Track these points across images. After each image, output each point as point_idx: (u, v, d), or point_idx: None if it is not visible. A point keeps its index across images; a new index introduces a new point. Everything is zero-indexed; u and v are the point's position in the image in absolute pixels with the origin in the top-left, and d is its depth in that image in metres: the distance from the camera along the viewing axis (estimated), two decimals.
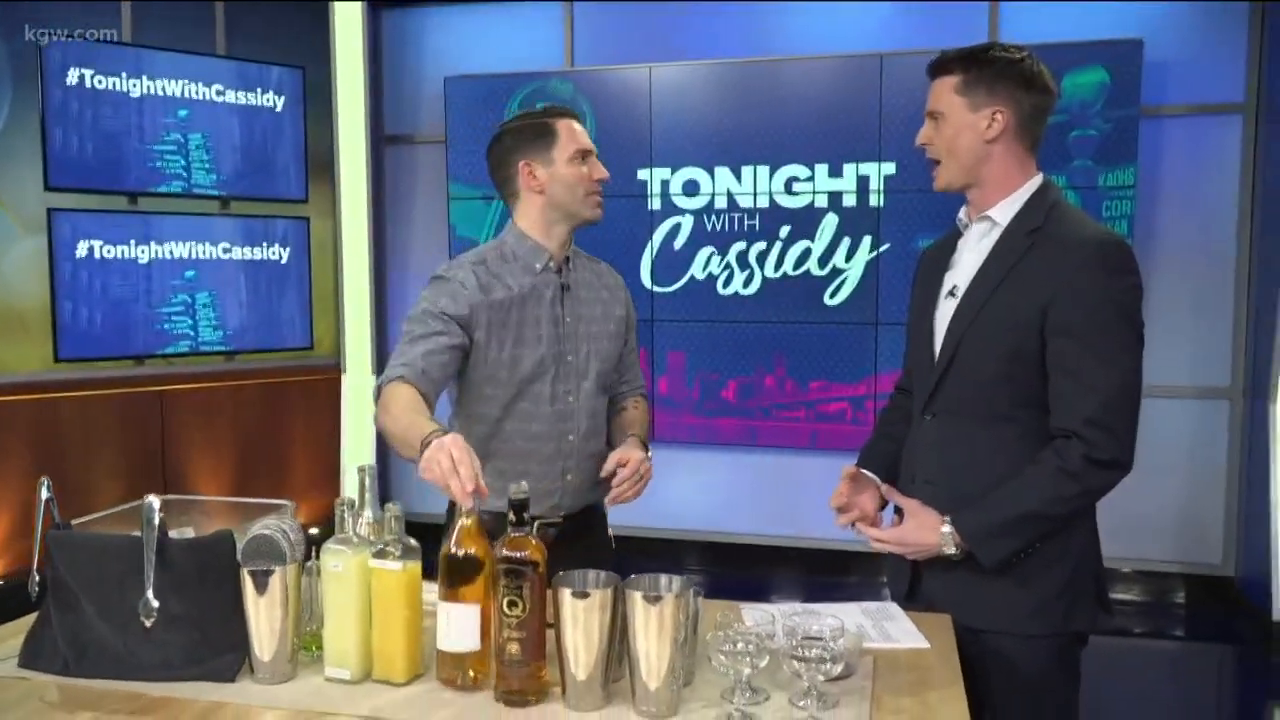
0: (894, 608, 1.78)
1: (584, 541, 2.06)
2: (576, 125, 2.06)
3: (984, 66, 1.76)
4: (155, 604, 1.48)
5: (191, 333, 4.81)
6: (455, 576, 1.45)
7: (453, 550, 1.46)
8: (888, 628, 1.69)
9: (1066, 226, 1.74)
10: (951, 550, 1.74)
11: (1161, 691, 3.82)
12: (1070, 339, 1.69)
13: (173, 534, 1.75)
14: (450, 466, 1.52)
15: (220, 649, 1.51)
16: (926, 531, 1.76)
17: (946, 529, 1.74)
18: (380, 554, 1.48)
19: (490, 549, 1.46)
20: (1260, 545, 4.07)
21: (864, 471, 1.98)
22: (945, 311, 1.85)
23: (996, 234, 1.80)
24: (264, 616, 1.49)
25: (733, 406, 4.78)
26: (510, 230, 2.10)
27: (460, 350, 1.96)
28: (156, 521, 1.49)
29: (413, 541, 1.50)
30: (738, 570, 4.92)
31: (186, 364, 4.85)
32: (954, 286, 1.84)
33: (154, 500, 1.50)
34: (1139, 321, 1.73)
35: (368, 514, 1.54)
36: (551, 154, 2.03)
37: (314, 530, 1.62)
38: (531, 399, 2.02)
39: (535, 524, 1.52)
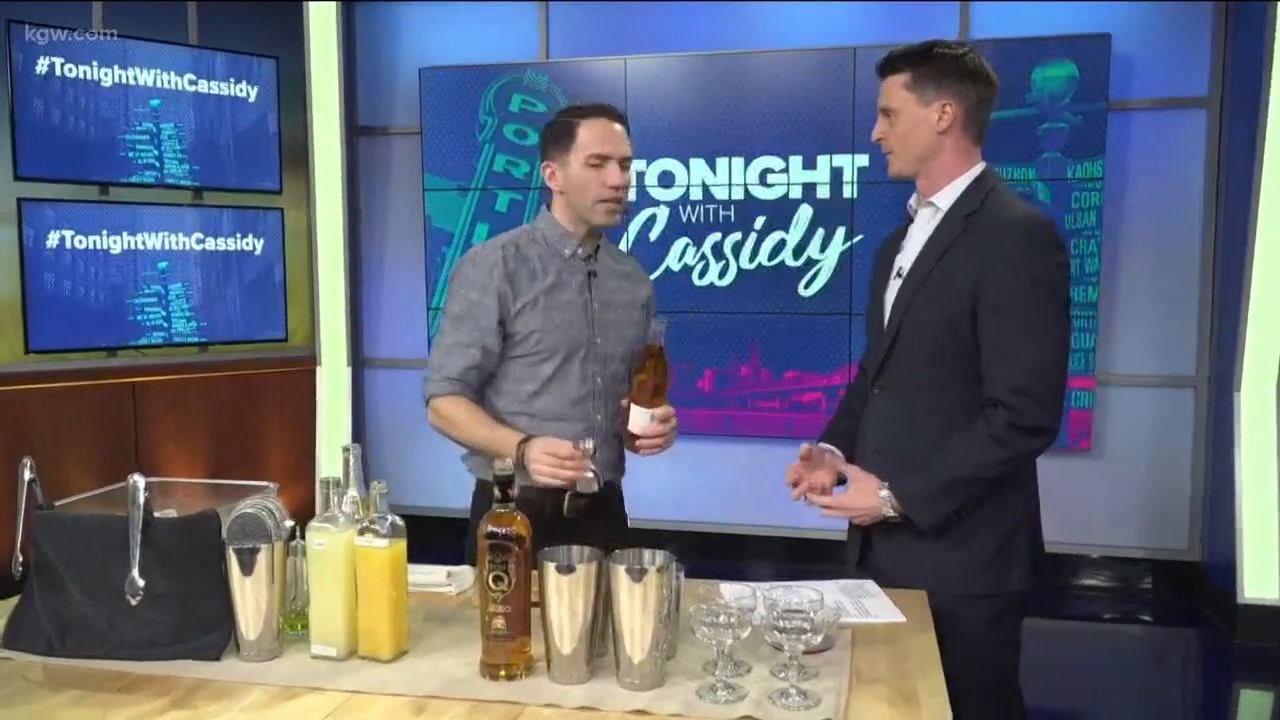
0: (871, 585, 1.82)
1: (605, 516, 2.15)
2: (604, 126, 2.07)
3: (930, 63, 1.88)
4: (141, 583, 1.48)
5: (165, 324, 4.78)
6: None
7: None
8: (865, 604, 1.72)
9: (998, 210, 1.86)
10: (889, 512, 1.87)
11: (1129, 676, 3.89)
12: (997, 314, 1.81)
13: (157, 514, 1.76)
14: (555, 464, 1.88)
15: (206, 627, 1.52)
16: (867, 495, 1.90)
17: (885, 492, 1.87)
18: (365, 532, 1.49)
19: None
20: (1226, 530, 4.15)
21: (823, 445, 2.10)
22: (893, 291, 1.97)
23: (939, 218, 1.93)
24: (249, 595, 1.50)
25: (708, 396, 4.82)
26: (544, 216, 2.17)
27: (495, 353, 2.09)
28: (142, 500, 1.50)
29: (398, 519, 1.51)
30: (714, 559, 4.95)
31: (160, 356, 4.82)
32: (900, 268, 1.97)
33: (139, 480, 1.50)
34: (1063, 295, 1.83)
35: (352, 492, 1.55)
36: (568, 155, 2.08)
37: (288, 523, 1.62)
38: (561, 379, 2.11)
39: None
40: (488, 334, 2.07)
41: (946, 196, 1.92)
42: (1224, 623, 4.14)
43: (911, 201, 2.02)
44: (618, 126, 2.10)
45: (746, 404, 4.80)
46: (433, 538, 1.98)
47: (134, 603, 1.48)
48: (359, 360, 5.33)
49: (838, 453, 2.08)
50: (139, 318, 4.70)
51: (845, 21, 4.68)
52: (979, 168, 1.93)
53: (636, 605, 1.39)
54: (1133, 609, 4.54)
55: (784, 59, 4.66)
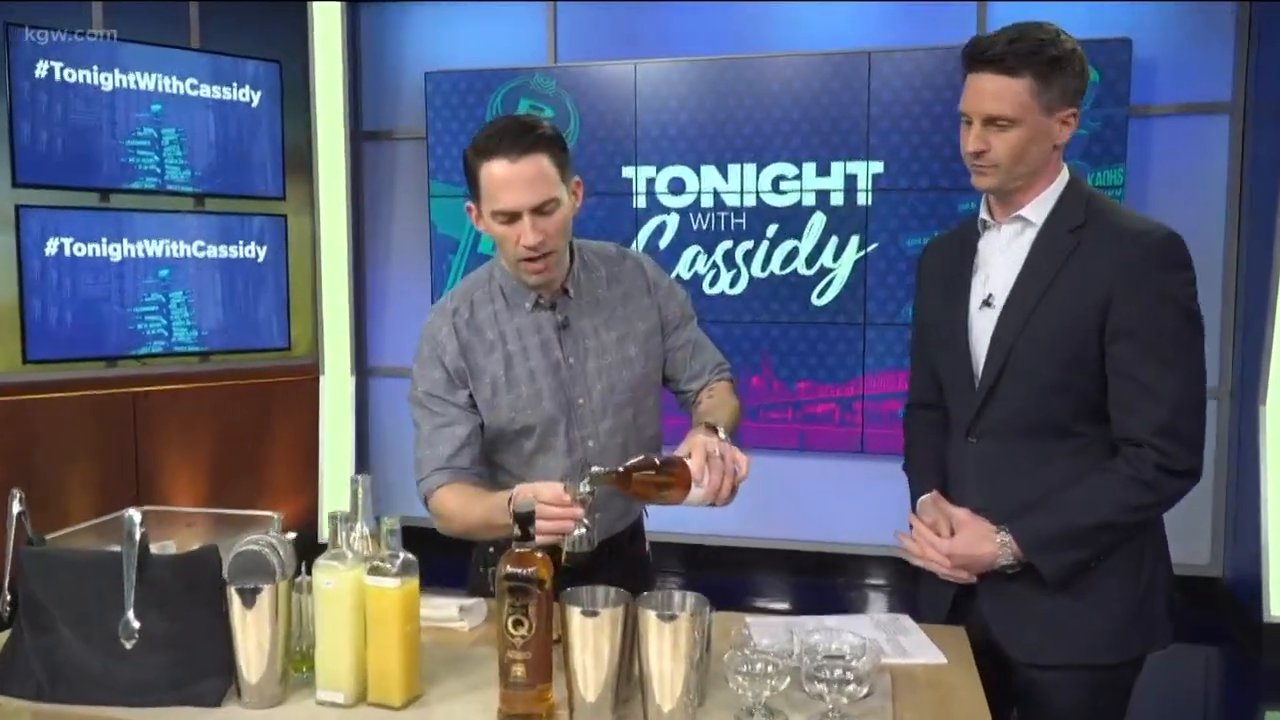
0: (907, 620, 1.72)
1: (618, 559, 1.91)
2: (505, 171, 1.66)
3: (1060, 68, 1.60)
4: (136, 625, 1.39)
5: (165, 333, 4.69)
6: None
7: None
8: (902, 642, 1.63)
9: (1112, 221, 1.64)
10: (1009, 561, 1.63)
11: (1146, 695, 3.78)
12: (1133, 342, 1.59)
13: (153, 548, 1.67)
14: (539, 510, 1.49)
15: (205, 671, 1.43)
16: (980, 541, 1.64)
17: (1003, 537, 1.63)
18: (375, 570, 1.40)
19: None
20: (1249, 546, 4.05)
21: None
22: (984, 323, 1.70)
23: (1031, 234, 1.68)
24: (251, 637, 1.41)
25: None
26: (498, 261, 1.86)
27: (479, 425, 1.83)
28: (138, 536, 1.41)
29: (409, 556, 1.42)
30: (724, 574, 4.86)
31: (160, 365, 4.72)
32: (989, 295, 1.70)
33: (135, 514, 1.41)
34: (1199, 315, 1.63)
35: (361, 527, 1.46)
36: (480, 203, 1.75)
37: (291, 535, 1.54)
38: (545, 452, 1.85)
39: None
40: (464, 406, 1.81)
41: (1038, 209, 1.67)
42: (1247, 642, 4.04)
43: (984, 214, 1.74)
44: (526, 166, 1.66)
45: (758, 415, 4.71)
46: (438, 553, 1.86)
47: (128, 646, 1.39)
48: (363, 369, 5.24)
49: (940, 497, 1.78)
50: (139, 327, 4.61)
51: (860, 24, 4.59)
52: (1066, 173, 1.69)
53: (667, 650, 1.31)
54: None
55: (797, 62, 4.57)
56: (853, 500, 4.62)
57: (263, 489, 4.96)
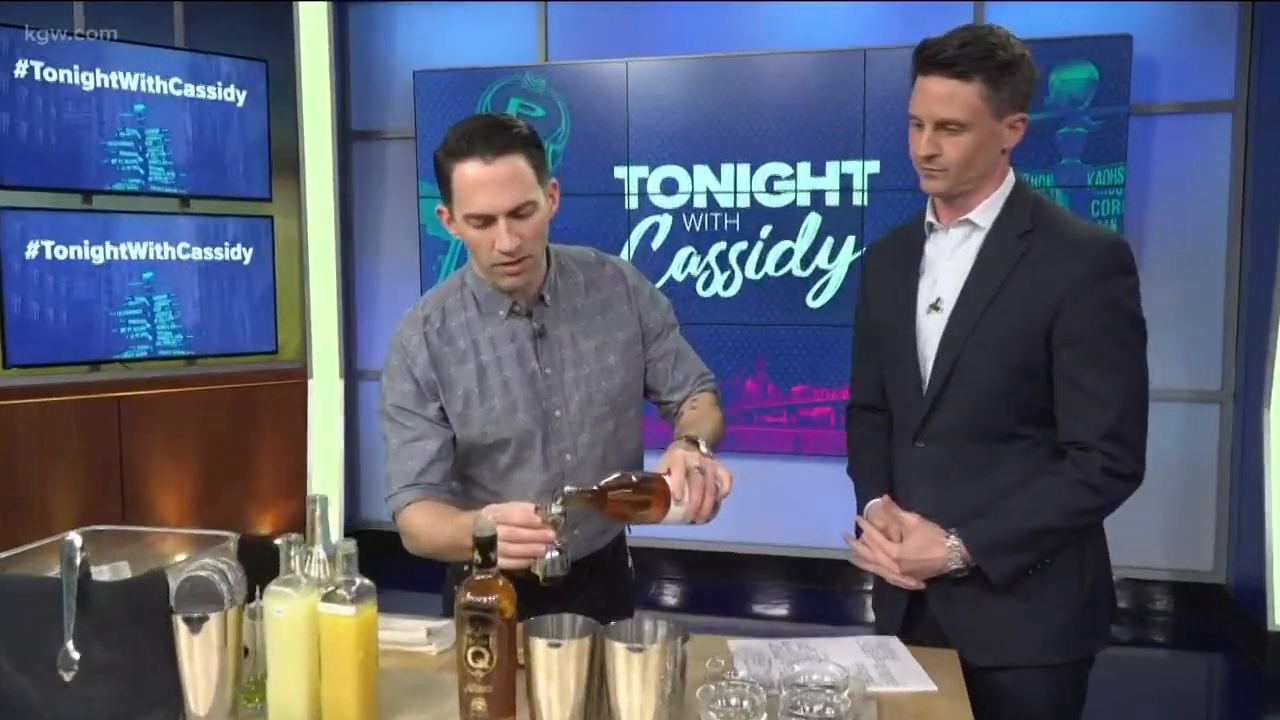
0: (896, 644, 1.64)
1: (600, 576, 1.85)
2: (478, 173, 1.57)
3: (1009, 72, 1.59)
4: (75, 656, 1.31)
5: (150, 336, 4.61)
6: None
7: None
8: (890, 668, 1.55)
9: (1060, 229, 1.65)
10: (958, 565, 1.64)
11: (1151, 703, 3.71)
12: (1080, 349, 1.61)
13: (105, 568, 1.60)
14: (507, 535, 1.42)
15: (151, 704, 1.35)
16: (930, 546, 1.66)
17: (953, 541, 1.64)
18: (330, 597, 1.32)
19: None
20: (1253, 552, 3.98)
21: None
22: (931, 327, 1.71)
23: (978, 238, 1.69)
24: (199, 667, 1.33)
25: None
26: (470, 267, 1.78)
27: (450, 439, 1.75)
28: (78, 561, 1.33)
29: (366, 581, 1.34)
30: (718, 579, 4.79)
31: (145, 369, 4.65)
32: (937, 299, 1.71)
33: (75, 537, 1.34)
34: (1142, 320, 1.65)
35: (319, 551, 1.38)
36: (452, 206, 1.65)
37: (279, 540, 1.45)
38: (520, 468, 1.77)
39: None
40: (435, 420, 1.73)
41: (985, 213, 1.68)
42: (1251, 649, 3.96)
43: (930, 216, 1.74)
44: (501, 167, 1.57)
45: (752, 419, 4.63)
46: (422, 560, 1.78)
47: (67, 679, 1.31)
48: (352, 372, 5.17)
49: (891, 502, 1.78)
50: (123, 330, 4.53)
51: (855, 22, 4.51)
52: (1011, 177, 1.70)
53: (635, 684, 1.23)
54: (1153, 633, 4.37)
55: (792, 61, 4.49)
56: (848, 506, 4.53)
57: (250, 494, 4.88)
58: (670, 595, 4.77)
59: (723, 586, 4.78)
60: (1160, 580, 4.44)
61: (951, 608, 1.70)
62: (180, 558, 1.60)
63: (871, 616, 1.96)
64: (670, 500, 1.49)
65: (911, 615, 1.77)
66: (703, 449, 1.58)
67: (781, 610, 4.63)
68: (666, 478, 1.49)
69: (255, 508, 4.89)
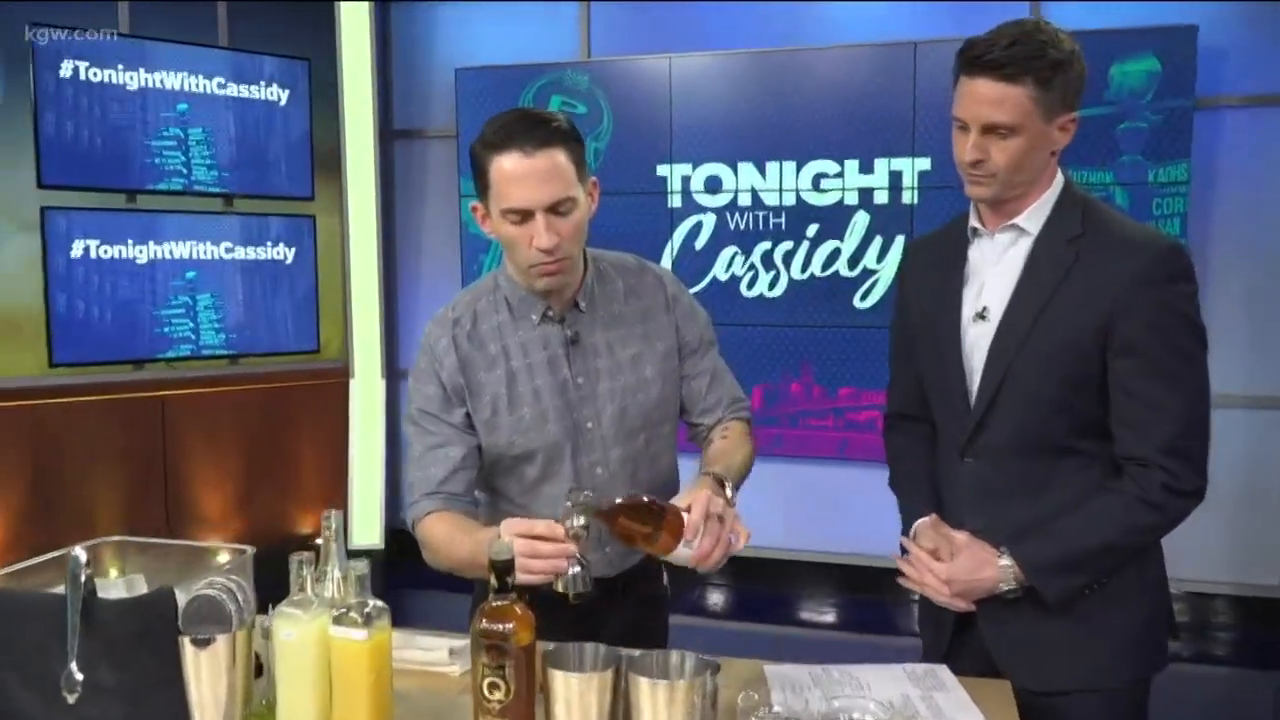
0: (945, 673, 1.54)
1: (633, 593, 1.78)
2: (517, 166, 1.51)
3: (1060, 72, 1.51)
4: (79, 677, 1.26)
5: (193, 336, 4.62)
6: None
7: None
8: (939, 700, 1.45)
9: (1112, 232, 1.57)
10: (1010, 586, 1.56)
11: (1213, 718, 3.56)
12: (1137, 358, 1.52)
13: (121, 581, 1.56)
14: (527, 550, 1.35)
15: None
16: (981, 566, 1.58)
17: (1005, 561, 1.56)
18: (341, 619, 1.26)
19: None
20: None
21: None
22: (978, 338, 1.62)
23: (1026, 244, 1.60)
24: (207, 689, 1.27)
25: (757, 415, 4.47)
26: (504, 269, 1.72)
27: (476, 447, 1.68)
28: (83, 579, 1.28)
29: (379, 603, 1.27)
30: (763, 586, 4.68)
31: (188, 368, 4.67)
32: (984, 308, 1.62)
33: (80, 552, 1.29)
34: (1202, 327, 1.56)
35: (333, 570, 1.31)
36: (490, 202, 1.59)
37: (253, 604, 1.38)
38: (550, 480, 1.69)
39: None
40: (460, 426, 1.66)
41: (1033, 218, 1.60)
42: None
43: (974, 221, 1.65)
44: (541, 160, 1.51)
45: (798, 423, 4.53)
46: None
47: (71, 701, 1.26)
48: (393, 372, 5.14)
49: (940, 521, 1.70)
50: (166, 330, 4.55)
51: (905, 15, 4.38)
52: (1060, 179, 1.61)
53: (661, 718, 1.14)
54: (1213, 648, 4.20)
55: (839, 55, 4.37)
56: (896, 512, 4.43)
57: (292, 494, 4.88)
58: (712, 602, 4.68)
59: (767, 594, 4.67)
60: (1223, 594, 4.26)
61: (1002, 630, 1.62)
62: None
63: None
64: (680, 538, 1.43)
65: (958, 637, 1.69)
66: (728, 493, 1.53)
67: (828, 618, 4.52)
68: (685, 514, 1.43)
69: (297, 508, 4.89)
